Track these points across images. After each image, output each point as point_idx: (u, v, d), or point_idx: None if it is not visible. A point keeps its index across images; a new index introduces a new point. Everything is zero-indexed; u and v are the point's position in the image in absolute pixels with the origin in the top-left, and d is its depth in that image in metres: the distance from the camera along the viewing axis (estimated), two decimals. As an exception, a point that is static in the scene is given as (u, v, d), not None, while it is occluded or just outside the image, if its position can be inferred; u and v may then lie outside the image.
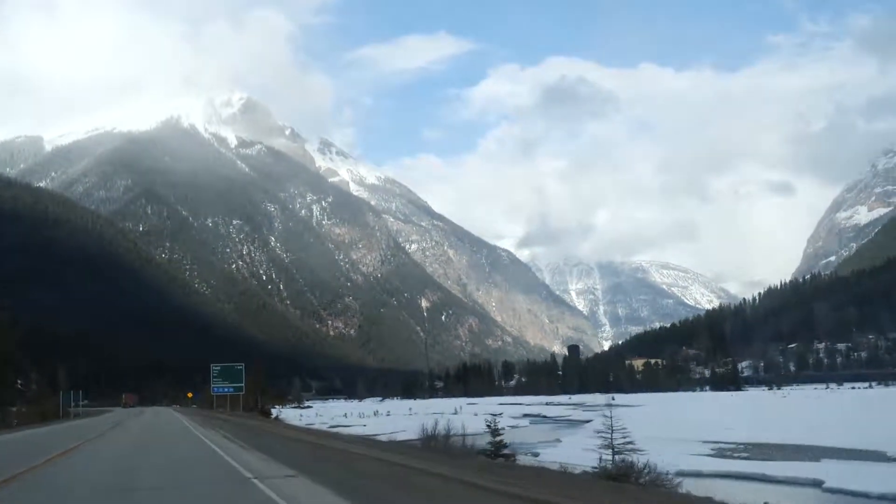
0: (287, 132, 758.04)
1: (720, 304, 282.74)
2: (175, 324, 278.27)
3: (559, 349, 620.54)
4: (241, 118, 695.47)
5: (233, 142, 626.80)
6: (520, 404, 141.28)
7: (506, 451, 29.83)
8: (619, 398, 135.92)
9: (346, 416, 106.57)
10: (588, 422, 76.74)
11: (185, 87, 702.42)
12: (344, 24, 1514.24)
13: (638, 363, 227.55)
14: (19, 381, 65.92)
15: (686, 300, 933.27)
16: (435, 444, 29.01)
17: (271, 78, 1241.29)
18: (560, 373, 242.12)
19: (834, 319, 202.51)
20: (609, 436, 28.30)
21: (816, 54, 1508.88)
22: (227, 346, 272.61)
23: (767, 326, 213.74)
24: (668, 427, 65.83)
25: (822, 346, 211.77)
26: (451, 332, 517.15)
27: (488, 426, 30.64)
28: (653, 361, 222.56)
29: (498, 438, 29.92)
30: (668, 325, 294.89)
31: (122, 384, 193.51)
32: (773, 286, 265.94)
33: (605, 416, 28.80)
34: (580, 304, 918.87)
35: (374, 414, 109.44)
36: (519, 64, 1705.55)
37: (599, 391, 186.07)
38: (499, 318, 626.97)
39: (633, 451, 27.11)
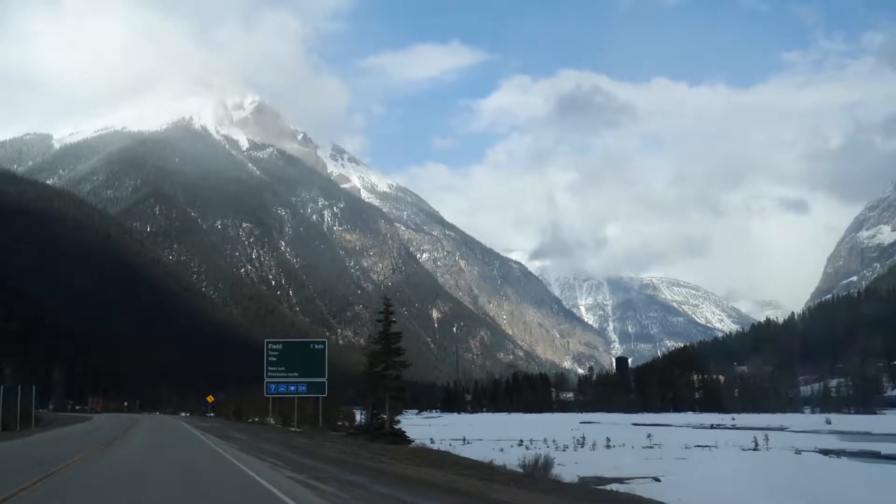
0: (299, 137, 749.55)
1: (767, 317, 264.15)
2: (180, 327, 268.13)
3: (570, 365, 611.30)
4: (253, 121, 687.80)
5: (244, 144, 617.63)
6: (671, 425, 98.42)
7: None
8: (757, 419, 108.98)
9: (523, 444, 58.22)
10: None
11: (196, 88, 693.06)
12: (357, 30, 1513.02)
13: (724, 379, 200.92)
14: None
15: (697, 319, 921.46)
16: None
17: (284, 81, 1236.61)
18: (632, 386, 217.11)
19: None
20: None
21: (832, 72, 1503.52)
22: (233, 351, 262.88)
23: (854, 341, 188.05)
24: None
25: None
26: (463, 344, 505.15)
27: None
28: (752, 378, 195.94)
29: None
30: (710, 341, 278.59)
31: (122, 387, 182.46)
32: (825, 300, 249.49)
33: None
34: (589, 320, 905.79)
35: (579, 444, 59.91)
36: (531, 76, 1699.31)
37: (693, 409, 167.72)
38: (510, 332, 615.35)
39: None
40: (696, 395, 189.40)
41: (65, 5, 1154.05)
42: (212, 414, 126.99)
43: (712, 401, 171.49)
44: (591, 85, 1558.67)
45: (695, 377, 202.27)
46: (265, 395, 62.84)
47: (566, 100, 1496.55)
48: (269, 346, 61.85)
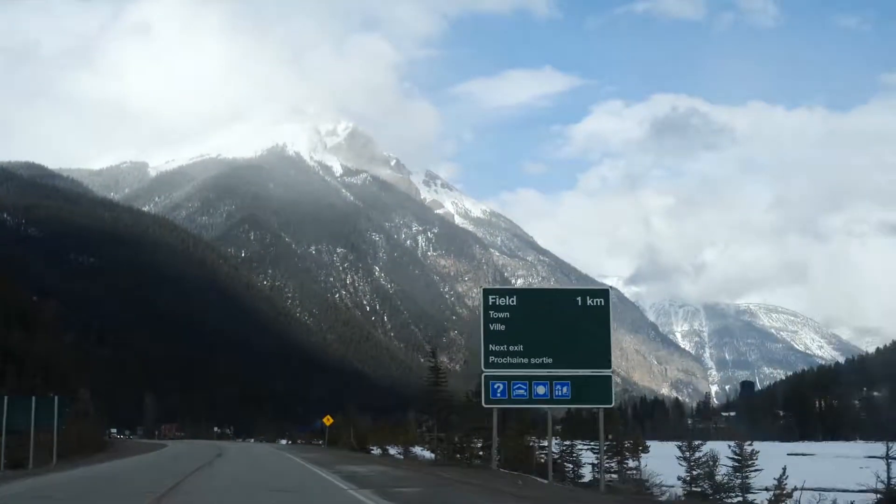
0: (392, 163, 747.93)
1: (893, 341, 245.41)
2: (275, 353, 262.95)
3: (668, 391, 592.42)
4: (346, 147, 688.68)
5: (338, 170, 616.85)
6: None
7: None
8: None
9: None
10: None
11: (289, 115, 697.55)
12: (449, 57, 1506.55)
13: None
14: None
15: (796, 345, 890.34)
16: None
17: (376, 108, 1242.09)
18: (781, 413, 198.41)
19: None
20: None
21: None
22: (329, 377, 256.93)
23: None
24: None
25: None
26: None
27: None
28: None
29: None
30: (833, 365, 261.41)
31: (216, 414, 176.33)
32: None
33: None
34: (686, 347, 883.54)
35: None
36: (624, 100, 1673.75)
37: (857, 437, 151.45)
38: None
39: None
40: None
41: (157, 36, 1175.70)
42: (320, 441, 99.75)
43: (877, 427, 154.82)
44: (688, 107, 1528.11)
45: (855, 402, 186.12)
46: (483, 403, 31.33)
47: (661, 122, 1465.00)
48: (491, 300, 31.66)
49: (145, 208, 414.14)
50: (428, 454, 57.05)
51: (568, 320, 31.72)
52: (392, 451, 66.01)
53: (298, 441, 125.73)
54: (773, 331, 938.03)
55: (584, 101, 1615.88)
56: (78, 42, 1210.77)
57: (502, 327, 30.76)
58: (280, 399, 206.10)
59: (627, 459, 41.43)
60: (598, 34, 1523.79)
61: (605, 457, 36.12)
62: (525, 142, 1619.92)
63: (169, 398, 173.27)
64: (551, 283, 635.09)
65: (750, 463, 30.92)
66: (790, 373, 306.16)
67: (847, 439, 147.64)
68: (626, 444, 42.05)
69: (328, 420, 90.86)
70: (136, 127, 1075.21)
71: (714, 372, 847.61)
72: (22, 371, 53.28)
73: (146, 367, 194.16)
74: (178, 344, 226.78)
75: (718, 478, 31.56)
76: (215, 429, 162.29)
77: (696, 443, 33.66)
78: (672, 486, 35.11)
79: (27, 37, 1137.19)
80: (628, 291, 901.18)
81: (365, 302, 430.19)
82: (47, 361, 62.54)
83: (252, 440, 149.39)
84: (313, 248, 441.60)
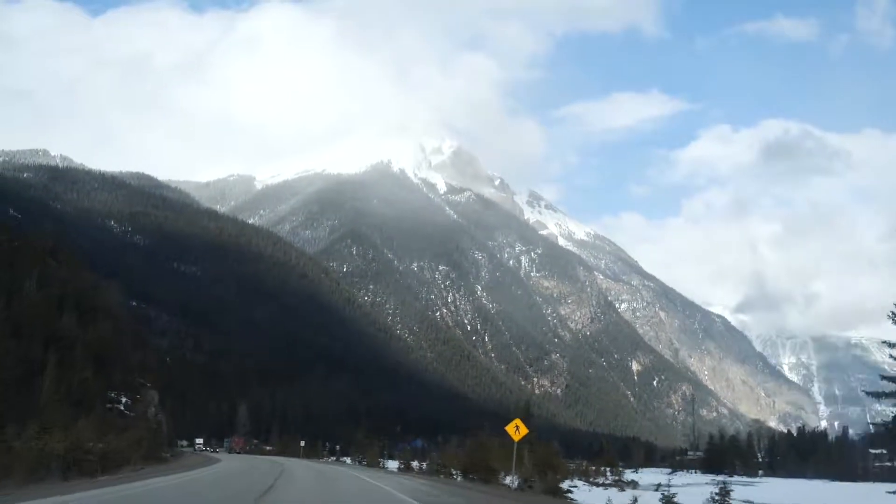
0: (496, 182, 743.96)
1: None
2: (373, 369, 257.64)
3: (775, 424, 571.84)
4: (450, 164, 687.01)
5: (442, 188, 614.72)
6: None
7: None
8: None
9: None
10: None
11: (394, 132, 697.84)
12: (554, 78, 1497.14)
13: None
14: (123, 399, 41.45)
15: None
16: None
17: (481, 126, 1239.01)
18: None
19: None
20: None
21: None
22: (428, 396, 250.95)
23: None
24: None
25: None
26: (663, 399, 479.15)
27: None
28: None
29: None
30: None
31: (310, 428, 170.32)
32: None
33: None
34: (793, 379, 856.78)
35: None
36: (732, 125, 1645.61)
37: None
38: (712, 387, 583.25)
39: None
40: None
41: (265, 51, 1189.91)
42: (445, 467, 67.14)
43: None
44: (801, 130, 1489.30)
45: None
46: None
47: (771, 147, 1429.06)
48: None
49: (250, 221, 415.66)
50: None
51: None
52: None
53: (417, 465, 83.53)
54: (886, 367, 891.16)
55: (691, 125, 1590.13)
56: (189, 56, 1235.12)
57: None
58: (377, 416, 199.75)
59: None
60: (708, 56, 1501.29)
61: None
62: (629, 165, 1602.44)
63: (263, 410, 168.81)
64: (656, 310, 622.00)
65: None
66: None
67: None
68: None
69: (518, 431, 48.39)
70: (243, 140, 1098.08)
71: (823, 407, 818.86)
72: (68, 361, 46.05)
73: (242, 378, 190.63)
74: (275, 356, 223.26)
75: None
76: (301, 443, 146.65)
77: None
78: None
79: (141, 50, 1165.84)
80: (734, 320, 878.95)
81: (466, 321, 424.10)
82: (105, 354, 54.10)
83: (347, 460, 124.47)
84: (415, 265, 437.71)
